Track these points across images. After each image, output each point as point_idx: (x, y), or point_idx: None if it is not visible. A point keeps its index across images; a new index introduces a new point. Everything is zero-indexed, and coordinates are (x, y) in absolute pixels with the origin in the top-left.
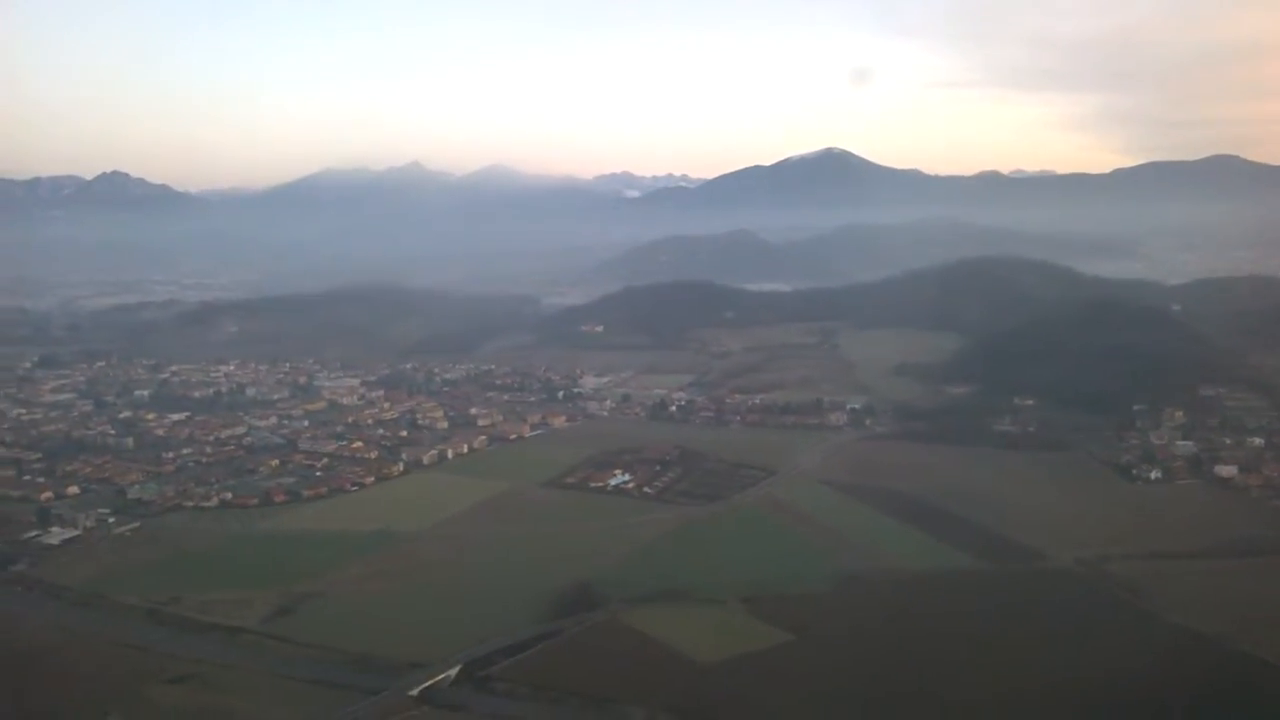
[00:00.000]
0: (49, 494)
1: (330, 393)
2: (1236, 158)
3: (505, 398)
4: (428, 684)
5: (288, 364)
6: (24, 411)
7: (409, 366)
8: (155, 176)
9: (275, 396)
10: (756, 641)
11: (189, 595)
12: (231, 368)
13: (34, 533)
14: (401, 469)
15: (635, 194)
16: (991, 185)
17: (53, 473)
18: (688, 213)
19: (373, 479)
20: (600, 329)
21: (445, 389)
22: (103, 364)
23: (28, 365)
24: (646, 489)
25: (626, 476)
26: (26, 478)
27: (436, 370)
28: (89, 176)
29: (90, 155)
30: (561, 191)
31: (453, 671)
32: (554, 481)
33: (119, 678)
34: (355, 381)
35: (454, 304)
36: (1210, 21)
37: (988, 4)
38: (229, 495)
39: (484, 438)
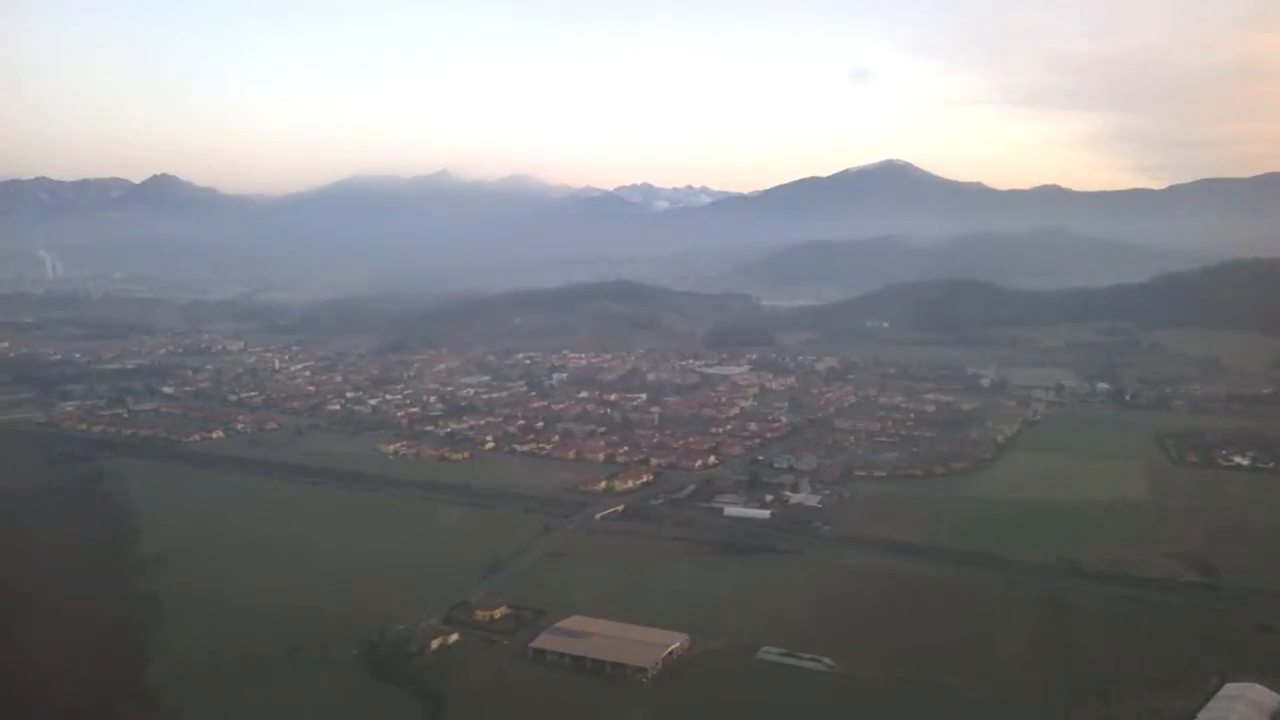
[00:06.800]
0: (700, 462)
1: (740, 379)
2: None
3: (927, 385)
4: None
5: (628, 353)
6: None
7: (753, 357)
8: (200, 180)
9: (680, 381)
10: None
11: (1077, 555)
12: (584, 358)
13: (770, 496)
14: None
15: (664, 205)
16: (1051, 199)
17: (638, 445)
18: (750, 221)
19: (989, 455)
20: (886, 325)
21: (850, 379)
22: (445, 349)
23: (362, 354)
24: None
25: (1245, 457)
26: (621, 448)
27: (801, 360)
28: (134, 179)
29: (128, 159)
30: (590, 201)
31: None
32: (1176, 460)
33: (1197, 627)
34: (741, 369)
35: (687, 303)
36: (1223, 43)
37: (1009, 25)
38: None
39: (1019, 420)
